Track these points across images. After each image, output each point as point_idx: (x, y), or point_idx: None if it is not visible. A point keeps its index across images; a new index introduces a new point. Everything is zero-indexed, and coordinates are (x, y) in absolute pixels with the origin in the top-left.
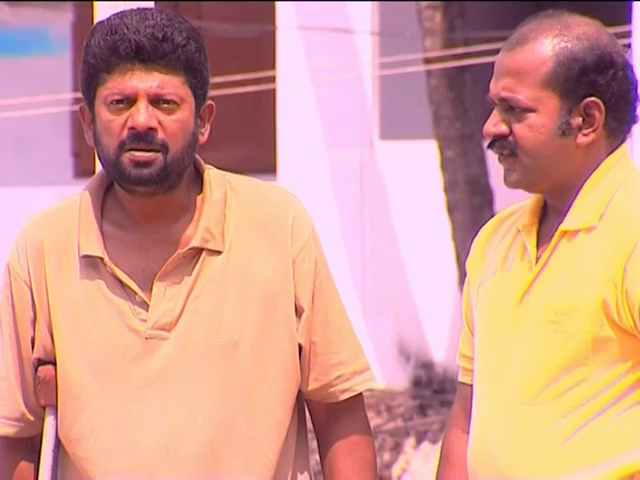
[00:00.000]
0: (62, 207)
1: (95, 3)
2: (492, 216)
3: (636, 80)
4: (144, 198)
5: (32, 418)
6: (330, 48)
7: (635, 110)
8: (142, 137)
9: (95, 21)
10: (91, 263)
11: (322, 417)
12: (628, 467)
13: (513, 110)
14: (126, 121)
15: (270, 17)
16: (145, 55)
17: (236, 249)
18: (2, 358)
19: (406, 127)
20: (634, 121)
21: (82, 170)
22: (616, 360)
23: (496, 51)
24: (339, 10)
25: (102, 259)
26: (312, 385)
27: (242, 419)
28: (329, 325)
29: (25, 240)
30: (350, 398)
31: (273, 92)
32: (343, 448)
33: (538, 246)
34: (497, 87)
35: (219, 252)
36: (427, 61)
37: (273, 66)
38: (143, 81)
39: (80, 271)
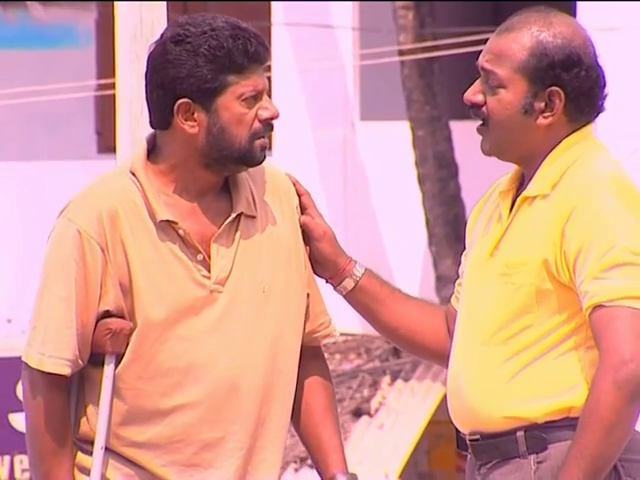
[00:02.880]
0: (116, 181)
1: (116, 2)
2: (457, 187)
3: (602, 80)
4: (221, 177)
5: (81, 362)
6: (317, 42)
7: (596, 105)
8: (272, 125)
9: (117, 18)
10: (162, 227)
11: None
12: (565, 402)
13: (490, 84)
14: (256, 113)
15: (265, 15)
16: (262, 57)
17: (262, 215)
18: (66, 309)
19: (383, 110)
20: (598, 111)
21: (105, 146)
22: (555, 311)
23: (460, 44)
24: (324, 9)
25: (175, 223)
26: (305, 330)
27: (280, 358)
28: (313, 278)
29: (98, 208)
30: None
31: (268, 79)
32: (318, 383)
33: (512, 209)
34: (482, 59)
35: (253, 217)
36: (401, 53)
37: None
38: (264, 79)
39: (153, 234)
